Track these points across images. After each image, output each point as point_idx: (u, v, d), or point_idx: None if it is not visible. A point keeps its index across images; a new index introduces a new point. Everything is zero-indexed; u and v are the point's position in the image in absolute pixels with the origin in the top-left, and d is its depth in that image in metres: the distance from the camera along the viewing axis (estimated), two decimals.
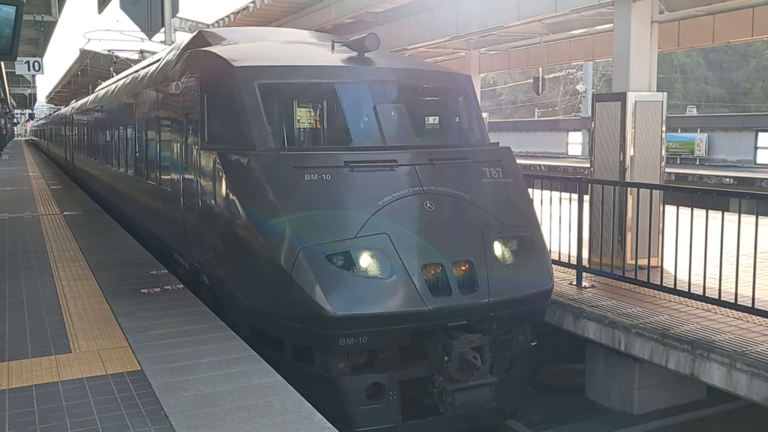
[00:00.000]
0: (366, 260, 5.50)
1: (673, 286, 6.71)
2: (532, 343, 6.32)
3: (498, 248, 6.00)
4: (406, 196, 5.88)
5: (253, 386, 4.58)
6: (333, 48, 7.35)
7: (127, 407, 4.29)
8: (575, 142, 35.58)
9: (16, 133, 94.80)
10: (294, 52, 7.48)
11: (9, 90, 42.67)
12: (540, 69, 23.42)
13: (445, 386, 5.51)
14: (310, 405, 4.29)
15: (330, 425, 4.05)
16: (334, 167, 5.91)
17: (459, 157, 6.52)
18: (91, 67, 28.31)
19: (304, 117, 6.61)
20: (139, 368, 4.93)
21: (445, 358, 5.53)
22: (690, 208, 6.41)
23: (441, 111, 7.45)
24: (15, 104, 64.68)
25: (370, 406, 5.52)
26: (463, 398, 5.48)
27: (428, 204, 5.91)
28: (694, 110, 38.84)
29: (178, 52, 8.78)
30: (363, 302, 5.39)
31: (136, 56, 24.12)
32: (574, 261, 7.70)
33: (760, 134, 27.43)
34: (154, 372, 4.84)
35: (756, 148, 27.46)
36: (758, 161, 27.23)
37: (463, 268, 5.75)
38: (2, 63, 22.85)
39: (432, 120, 7.33)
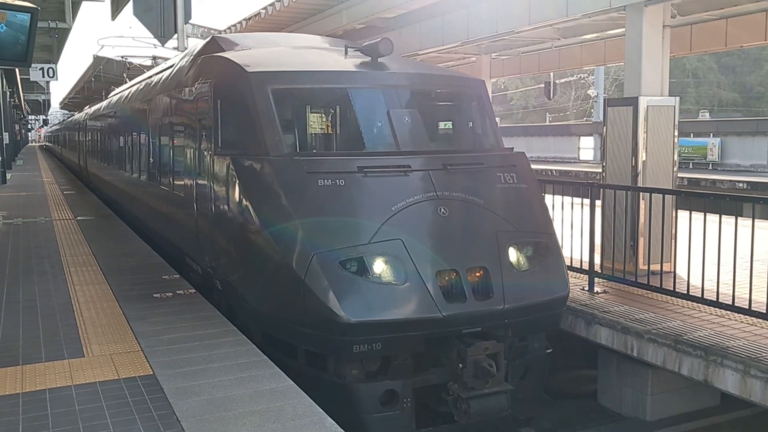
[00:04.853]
0: (380, 266, 5.48)
1: (686, 292, 6.66)
2: (548, 351, 6.28)
3: (513, 254, 5.96)
4: (420, 201, 5.86)
5: (264, 391, 4.59)
6: (346, 53, 7.37)
7: (139, 411, 4.32)
8: (587, 147, 35.43)
9: (30, 138, 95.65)
10: (307, 58, 7.49)
11: (23, 96, 43.11)
12: (551, 74, 23.40)
13: (460, 394, 5.47)
14: (321, 410, 4.29)
15: (341, 430, 4.05)
16: (348, 173, 5.89)
17: (473, 163, 6.49)
18: (104, 73, 28.52)
19: (317, 122, 6.61)
20: (152, 372, 4.96)
21: (460, 365, 5.49)
22: (703, 213, 6.38)
23: (455, 116, 7.43)
24: (29, 110, 65.28)
25: (384, 414, 5.48)
26: (478, 406, 5.44)
27: (442, 210, 5.88)
28: (707, 115, 38.63)
29: (191, 57, 8.83)
30: (377, 309, 5.36)
31: (149, 62, 24.30)
32: (586, 266, 7.67)
33: None
34: (166, 376, 4.86)
35: None
36: None
37: (477, 274, 5.71)
38: (17, 69, 23.08)
39: (446, 125, 7.31)
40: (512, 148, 7.10)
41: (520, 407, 5.96)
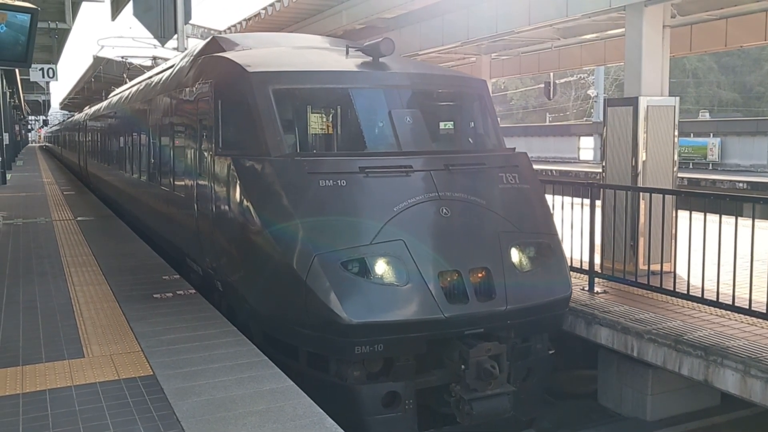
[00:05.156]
0: (381, 267, 5.46)
1: (686, 292, 6.66)
2: (550, 352, 6.27)
3: (515, 255, 5.94)
4: (422, 202, 5.84)
5: (264, 391, 4.59)
6: (347, 53, 7.36)
7: (139, 412, 4.32)
8: (587, 147, 35.45)
9: (30, 139, 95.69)
10: (308, 58, 7.48)
11: (23, 97, 43.13)
12: (551, 74, 23.39)
13: (462, 395, 5.45)
14: (321, 410, 4.29)
15: (341, 430, 4.05)
16: (349, 173, 5.87)
17: (475, 163, 6.47)
18: (104, 74, 28.55)
19: (318, 122, 6.60)
20: (152, 373, 4.96)
21: (462, 366, 5.48)
22: (703, 213, 6.38)
23: (456, 116, 7.41)
24: (29, 111, 65.32)
25: (386, 415, 5.47)
26: (481, 407, 5.42)
27: (444, 210, 5.86)
28: (707, 115, 38.66)
29: (192, 58, 8.82)
30: (378, 310, 5.34)
31: (149, 63, 24.31)
32: (586, 266, 7.67)
33: None
34: (167, 377, 4.86)
35: None
36: None
37: (479, 275, 5.69)
38: (17, 70, 23.09)
39: (447, 125, 7.29)
40: (514, 148, 7.09)
41: (523, 408, 5.94)
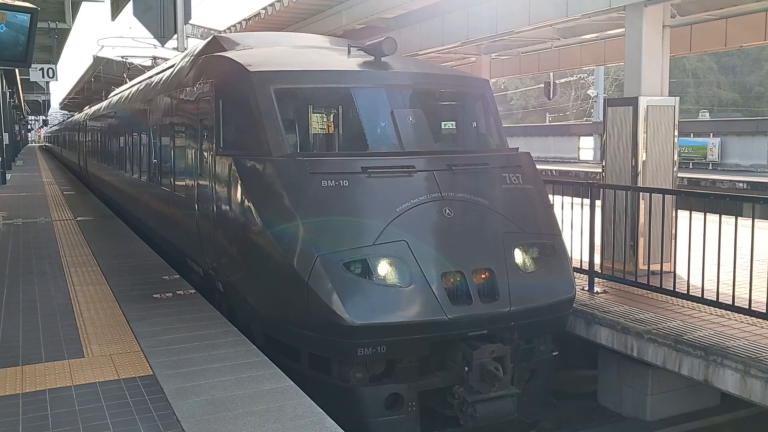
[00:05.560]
0: (384, 268, 5.43)
1: (686, 292, 6.66)
2: (554, 353, 6.25)
3: (519, 256, 5.91)
4: (425, 202, 5.80)
5: (264, 391, 4.59)
6: (349, 52, 7.34)
7: (139, 412, 4.32)
8: (587, 147, 35.44)
9: (30, 139, 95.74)
10: (310, 57, 7.46)
11: (23, 96, 43.14)
12: (551, 74, 23.37)
13: (466, 397, 5.43)
14: (321, 410, 4.29)
15: (341, 430, 4.04)
16: (352, 173, 5.84)
17: (478, 163, 6.44)
18: (104, 74, 28.56)
19: (320, 122, 6.57)
20: (152, 373, 4.96)
21: (466, 368, 5.45)
22: (703, 213, 6.38)
23: (459, 116, 7.36)
24: (29, 111, 65.34)
25: (389, 417, 5.44)
26: (485, 410, 5.39)
27: (447, 211, 5.83)
28: (707, 115, 38.65)
29: (192, 57, 8.81)
30: (381, 311, 5.31)
31: (149, 62, 24.32)
32: (586, 266, 7.67)
33: None
34: (166, 377, 4.86)
35: None
36: None
37: (483, 276, 5.66)
38: (17, 70, 23.10)
39: (450, 125, 7.26)
40: (517, 148, 7.07)
41: (526, 410, 5.92)
